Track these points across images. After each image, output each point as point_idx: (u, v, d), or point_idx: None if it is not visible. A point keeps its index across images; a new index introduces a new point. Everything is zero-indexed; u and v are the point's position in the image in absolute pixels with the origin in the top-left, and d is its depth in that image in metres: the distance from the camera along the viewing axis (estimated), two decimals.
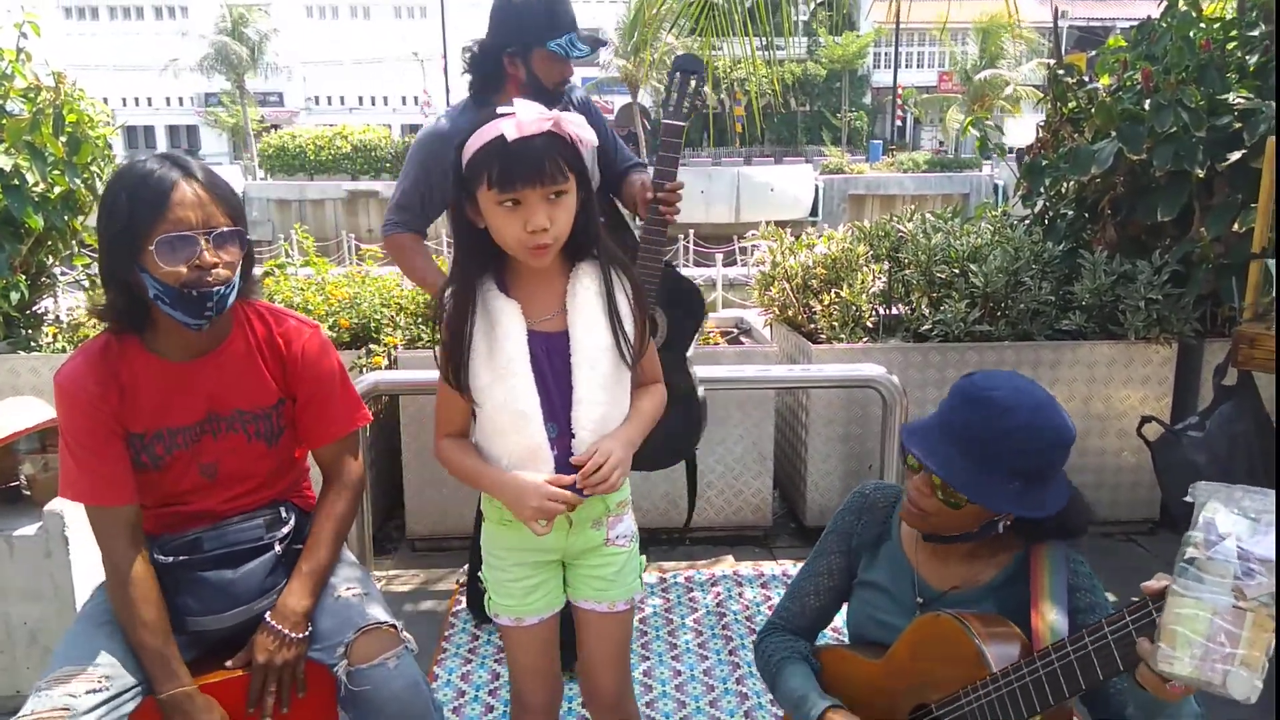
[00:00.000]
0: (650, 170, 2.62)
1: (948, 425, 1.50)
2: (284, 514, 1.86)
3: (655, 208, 2.53)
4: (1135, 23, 4.27)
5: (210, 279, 1.62)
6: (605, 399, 1.67)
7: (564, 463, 1.66)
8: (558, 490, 1.62)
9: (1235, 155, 3.47)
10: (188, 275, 1.61)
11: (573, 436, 1.66)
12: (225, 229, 1.65)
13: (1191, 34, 3.82)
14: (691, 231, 17.01)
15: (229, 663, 1.71)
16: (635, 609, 1.92)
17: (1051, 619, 1.45)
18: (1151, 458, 2.86)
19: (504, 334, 1.63)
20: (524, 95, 2.45)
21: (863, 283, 3.89)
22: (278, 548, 1.81)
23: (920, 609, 1.61)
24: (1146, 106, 3.63)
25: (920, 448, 1.51)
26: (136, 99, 46.45)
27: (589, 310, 1.67)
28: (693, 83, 2.51)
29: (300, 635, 1.71)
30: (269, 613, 1.72)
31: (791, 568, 3.52)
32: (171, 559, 1.74)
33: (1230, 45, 3.78)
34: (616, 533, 1.80)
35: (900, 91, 36.58)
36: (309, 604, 1.74)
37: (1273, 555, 1.09)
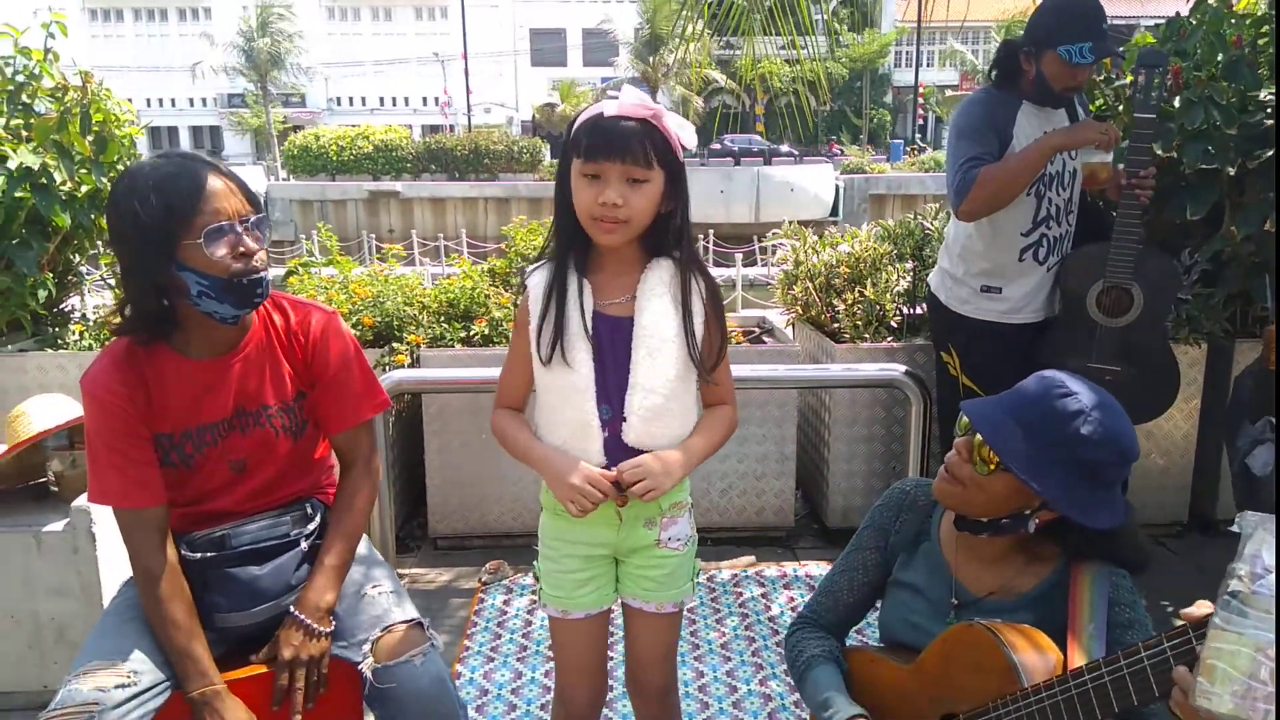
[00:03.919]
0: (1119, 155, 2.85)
1: (1011, 394, 1.47)
2: (310, 511, 1.86)
3: (1131, 192, 2.74)
4: (1161, 20, 4.21)
5: (256, 264, 1.65)
6: (663, 390, 1.66)
7: (614, 445, 1.67)
8: (598, 477, 1.62)
9: (1268, 153, 3.42)
10: (235, 265, 1.62)
11: (624, 420, 1.66)
12: (255, 216, 1.67)
13: (1223, 30, 3.77)
14: (711, 231, 16.98)
15: (254, 657, 1.71)
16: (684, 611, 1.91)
17: (1088, 636, 1.41)
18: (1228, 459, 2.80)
19: (571, 309, 1.65)
20: (1034, 91, 2.76)
21: (886, 282, 3.86)
22: (304, 544, 1.81)
23: (955, 612, 1.57)
24: (1176, 104, 3.58)
25: (971, 406, 1.47)
26: (160, 100, 46.94)
27: (658, 298, 1.67)
28: (1156, 78, 2.69)
29: (326, 629, 1.70)
30: (293, 605, 1.72)
31: (815, 569, 3.50)
32: (199, 555, 1.74)
33: (1262, 41, 3.72)
34: (669, 534, 1.78)
35: (921, 90, 36.39)
36: (332, 598, 1.74)
37: None
